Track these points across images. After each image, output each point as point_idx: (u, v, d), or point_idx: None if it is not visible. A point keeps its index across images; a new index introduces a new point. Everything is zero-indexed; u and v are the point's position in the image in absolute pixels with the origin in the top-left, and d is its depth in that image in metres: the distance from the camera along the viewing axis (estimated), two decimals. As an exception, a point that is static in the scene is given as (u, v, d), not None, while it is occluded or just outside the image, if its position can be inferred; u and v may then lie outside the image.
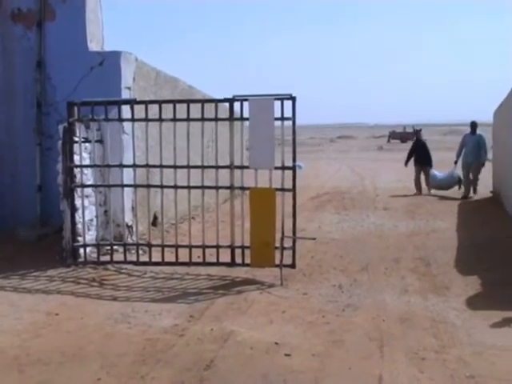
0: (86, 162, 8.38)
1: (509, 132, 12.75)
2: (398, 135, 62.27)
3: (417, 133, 17.78)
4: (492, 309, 6.24)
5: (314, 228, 11.06)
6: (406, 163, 17.23)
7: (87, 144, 8.39)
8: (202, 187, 7.99)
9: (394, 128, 71.47)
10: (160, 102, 8.06)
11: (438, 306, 6.35)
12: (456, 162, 16.27)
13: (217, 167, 7.98)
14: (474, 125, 16.01)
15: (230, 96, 7.74)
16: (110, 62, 9.12)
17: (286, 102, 7.44)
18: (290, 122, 7.50)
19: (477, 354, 5.04)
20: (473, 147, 15.62)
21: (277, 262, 7.52)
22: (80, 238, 8.17)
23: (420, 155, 16.74)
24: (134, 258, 8.17)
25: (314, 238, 8.35)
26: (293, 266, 7.70)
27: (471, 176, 15.79)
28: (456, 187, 16.53)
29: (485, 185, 16.13)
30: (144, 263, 8.08)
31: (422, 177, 16.71)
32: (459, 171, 16.21)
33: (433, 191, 16.51)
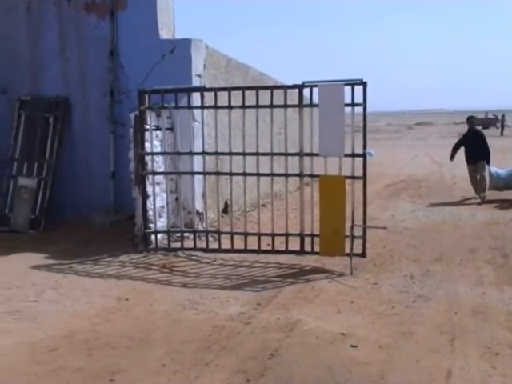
0: (157, 149, 8.47)
1: None
2: (480, 121, 60.22)
3: (469, 120, 13.91)
4: None
5: (387, 217, 10.83)
6: (452, 157, 13.49)
7: (158, 132, 8.47)
8: (272, 175, 7.94)
9: (476, 114, 69.17)
10: (229, 89, 8.04)
11: (515, 299, 6.08)
12: None
13: (286, 154, 7.90)
14: None
15: (299, 82, 7.64)
16: (180, 49, 9.17)
17: (356, 87, 7.27)
18: (361, 108, 7.32)
19: (555, 351, 4.78)
20: None
21: (347, 250, 7.40)
22: (151, 225, 8.29)
23: (473, 150, 12.93)
24: (203, 245, 8.22)
25: (385, 227, 8.16)
26: (363, 255, 7.55)
27: None
28: None
29: None
30: (213, 250, 8.12)
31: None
32: None
33: (488, 193, 12.78)
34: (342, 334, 5.14)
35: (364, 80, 7.21)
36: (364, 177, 7.41)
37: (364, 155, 7.40)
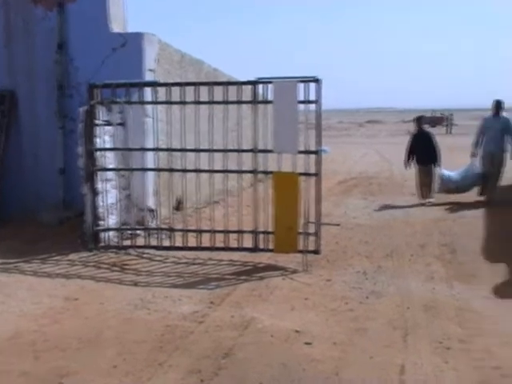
0: (108, 145, 8.28)
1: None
2: (428, 119, 61.39)
3: (417, 121, 12.79)
4: (520, 297, 6.03)
5: (340, 213, 10.89)
6: (407, 164, 12.54)
7: (109, 127, 8.29)
8: (225, 171, 7.87)
9: (424, 113, 70.53)
10: (183, 85, 7.93)
11: (464, 294, 6.17)
12: (475, 155, 12.15)
13: (240, 151, 7.83)
14: (498, 105, 11.91)
15: (254, 78, 7.59)
16: (132, 43, 8.99)
17: (310, 84, 7.26)
18: (315, 106, 7.31)
19: (504, 344, 4.88)
20: (496, 133, 11.76)
21: (300, 247, 7.39)
22: (102, 222, 8.12)
23: (423, 151, 12.24)
24: (156, 243, 8.09)
25: (338, 224, 8.18)
26: (317, 251, 7.56)
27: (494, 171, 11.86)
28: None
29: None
30: (166, 248, 8.00)
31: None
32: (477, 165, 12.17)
33: (434, 198, 12.16)
34: (297, 331, 5.12)
35: (318, 77, 7.21)
36: (318, 174, 7.41)
37: (318, 152, 7.40)
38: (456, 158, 21.67)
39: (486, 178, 11.87)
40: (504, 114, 11.97)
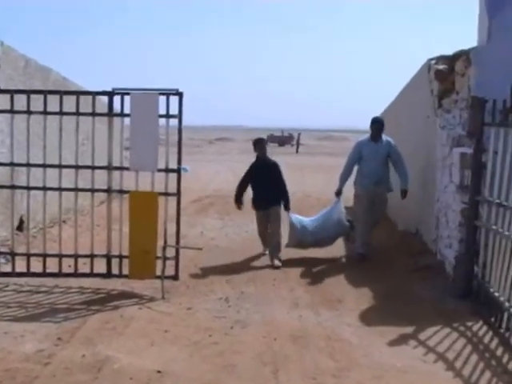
0: None
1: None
2: (277, 139, 63.27)
3: (258, 146, 8.86)
4: (387, 324, 5.93)
5: (196, 234, 10.48)
6: (238, 201, 8.95)
7: None
8: (76, 190, 7.16)
9: (273, 132, 72.48)
10: (28, 92, 7.11)
11: (332, 322, 5.97)
12: (339, 193, 8.88)
13: (93, 167, 7.16)
14: (378, 124, 8.71)
15: (109, 89, 7.00)
16: (-32, 44, 8.01)
17: (172, 97, 6.80)
18: (176, 120, 6.87)
19: (377, 378, 4.67)
20: (378, 163, 8.66)
21: (158, 272, 6.87)
22: None
23: (263, 189, 8.61)
24: (-6, 269, 7.17)
25: (201, 248, 7.70)
26: (175, 277, 7.09)
27: (372, 215, 8.74)
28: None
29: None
30: (6, 274, 7.09)
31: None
32: (342, 207, 8.96)
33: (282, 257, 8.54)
34: (159, 371, 4.58)
35: (180, 90, 6.77)
36: (178, 193, 6.96)
37: (179, 170, 6.95)
38: (308, 175, 22.25)
39: (359, 224, 8.77)
40: (385, 137, 8.87)
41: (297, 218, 8.82)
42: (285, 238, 8.79)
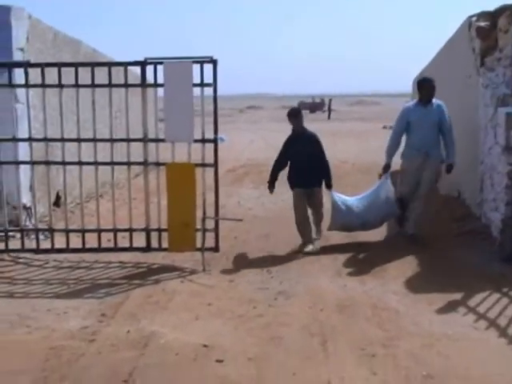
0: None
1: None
2: (307, 105, 62.57)
3: (293, 117, 7.64)
4: (434, 291, 5.72)
5: (233, 204, 10.36)
6: (272, 184, 7.74)
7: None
8: (112, 163, 7.06)
9: (303, 98, 71.82)
10: (59, 65, 6.99)
11: (377, 290, 5.80)
12: (388, 168, 7.67)
13: (128, 140, 7.05)
14: (429, 84, 7.49)
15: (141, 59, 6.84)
16: (-2, 18, 7.88)
17: (206, 65, 6.62)
18: (211, 89, 6.68)
19: (427, 346, 4.51)
20: (428, 130, 7.46)
21: (197, 245, 6.76)
22: (-33, 224, 7.06)
23: (302, 166, 7.50)
24: (33, 246, 7.16)
25: (241, 220, 7.53)
26: (216, 249, 6.99)
27: (421, 189, 7.56)
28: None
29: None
30: (45, 251, 7.09)
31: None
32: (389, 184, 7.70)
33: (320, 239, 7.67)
34: (205, 345, 4.48)
35: (214, 57, 6.58)
36: (215, 164, 6.81)
37: (215, 140, 6.79)
38: (340, 142, 21.88)
39: (408, 203, 7.75)
40: (435, 100, 7.59)
41: (340, 197, 7.66)
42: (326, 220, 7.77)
